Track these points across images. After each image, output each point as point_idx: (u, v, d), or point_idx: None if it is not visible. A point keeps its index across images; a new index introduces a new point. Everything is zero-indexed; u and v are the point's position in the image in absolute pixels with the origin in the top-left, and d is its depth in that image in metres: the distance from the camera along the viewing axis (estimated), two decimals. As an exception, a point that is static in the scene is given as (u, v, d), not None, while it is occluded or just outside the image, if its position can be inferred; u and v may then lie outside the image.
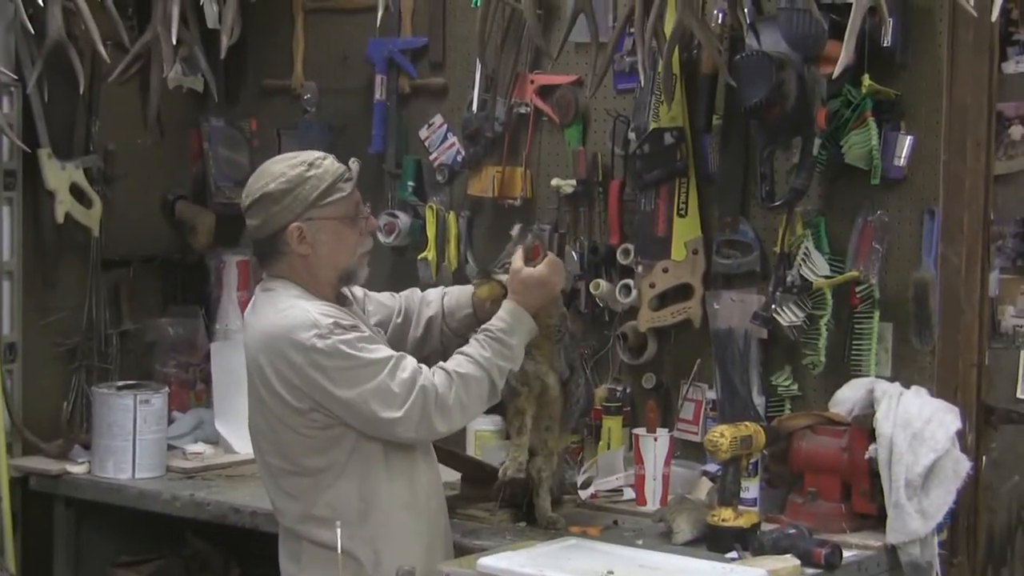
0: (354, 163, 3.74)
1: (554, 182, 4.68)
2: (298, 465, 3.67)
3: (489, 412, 4.02)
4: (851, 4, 3.59)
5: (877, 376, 4.12)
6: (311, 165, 3.68)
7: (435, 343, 4.02)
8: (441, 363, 3.70)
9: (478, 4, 4.66)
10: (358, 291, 3.95)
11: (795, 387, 4.28)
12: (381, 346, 3.67)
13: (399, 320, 4.01)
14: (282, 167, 3.70)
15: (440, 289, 4.11)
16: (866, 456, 3.91)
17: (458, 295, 4.05)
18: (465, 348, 3.73)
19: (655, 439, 4.13)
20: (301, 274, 3.71)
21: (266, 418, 3.69)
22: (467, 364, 3.68)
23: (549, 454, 3.97)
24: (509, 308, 3.78)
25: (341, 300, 3.79)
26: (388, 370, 3.60)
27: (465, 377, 3.66)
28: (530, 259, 3.85)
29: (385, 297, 4.05)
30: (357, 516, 3.62)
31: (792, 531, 3.71)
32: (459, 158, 4.88)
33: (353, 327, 3.63)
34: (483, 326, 3.77)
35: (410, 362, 3.65)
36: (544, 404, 3.93)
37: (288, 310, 3.63)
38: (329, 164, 3.71)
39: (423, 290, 4.14)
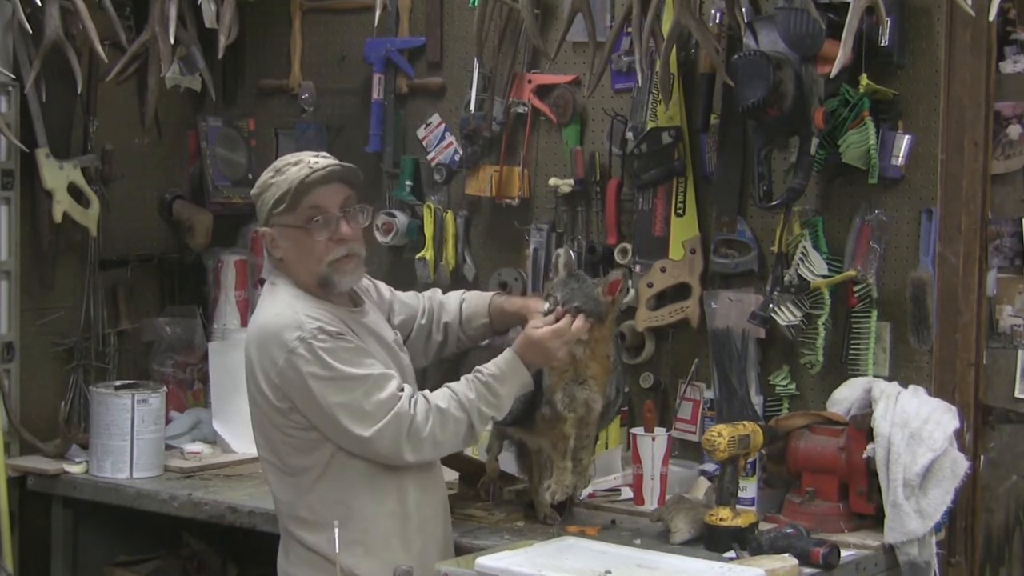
0: (332, 165, 3.70)
1: (552, 182, 4.68)
2: (283, 463, 3.69)
3: (512, 424, 3.96)
4: (849, 4, 3.59)
5: (875, 376, 4.13)
6: (278, 171, 3.70)
7: (452, 348, 4.05)
8: (426, 392, 3.68)
9: (475, 4, 4.66)
10: (384, 290, 3.97)
11: (793, 387, 4.28)
12: (367, 360, 3.64)
13: (423, 321, 4.02)
14: (264, 172, 3.75)
15: (459, 294, 4.09)
16: (864, 456, 3.91)
17: (476, 302, 4.04)
18: (454, 384, 3.71)
19: (653, 439, 4.13)
20: (286, 271, 3.74)
21: (255, 414, 3.72)
22: (450, 401, 3.65)
23: (583, 470, 3.96)
24: (507, 357, 3.74)
25: (355, 300, 3.79)
26: (365, 388, 3.59)
27: (445, 413, 3.64)
28: (604, 296, 3.80)
29: (410, 297, 4.05)
30: (339, 520, 3.60)
31: (790, 531, 3.71)
32: (457, 158, 4.88)
33: (339, 335, 3.61)
34: (477, 367, 3.74)
35: (392, 384, 3.62)
36: (584, 425, 3.91)
37: (282, 309, 3.65)
38: (295, 171, 3.67)
39: (421, 290, 4.14)
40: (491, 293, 4.12)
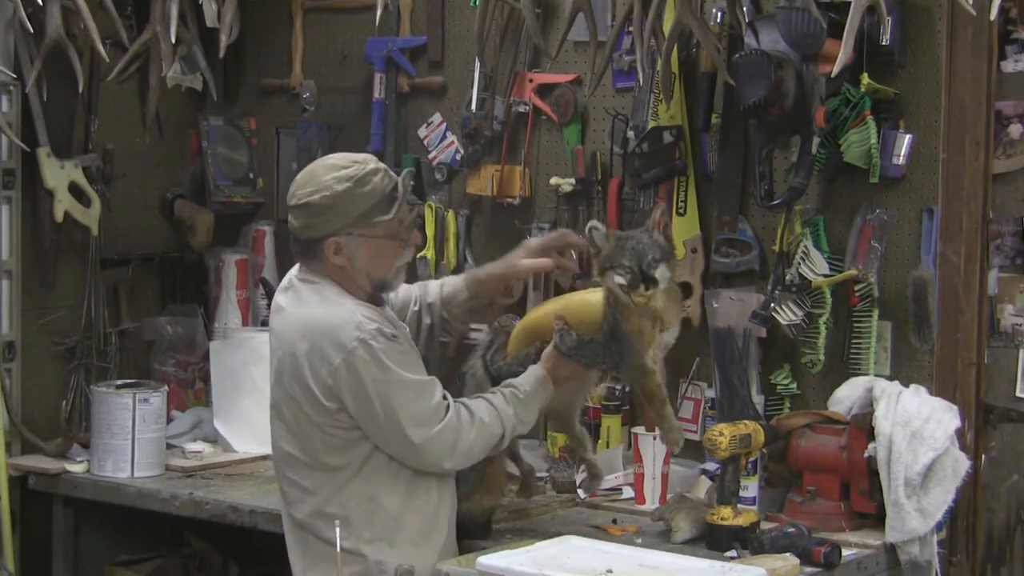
0: (405, 177, 3.71)
1: (553, 181, 4.68)
2: (316, 460, 3.67)
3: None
4: (850, 3, 3.59)
5: (876, 375, 4.12)
6: (359, 182, 3.63)
7: (439, 331, 4.03)
8: (467, 401, 3.69)
9: (476, 3, 4.66)
10: None
11: (794, 386, 4.28)
12: (417, 365, 3.67)
13: (415, 307, 4.01)
14: (330, 179, 3.63)
15: (439, 280, 4.10)
16: (865, 455, 3.91)
17: (453, 280, 4.04)
18: (493, 399, 3.72)
19: (654, 438, 4.11)
20: (336, 277, 3.70)
21: (291, 409, 3.68)
22: (491, 415, 3.67)
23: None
24: (538, 376, 3.75)
25: (376, 301, 3.79)
26: (418, 393, 3.61)
27: (486, 427, 3.66)
28: (660, 235, 3.67)
29: (402, 288, 4.04)
30: (367, 516, 3.62)
31: (791, 530, 3.71)
32: (458, 157, 4.88)
33: (394, 336, 3.62)
34: (511, 381, 3.75)
35: (438, 391, 3.65)
36: (663, 371, 3.80)
37: (334, 307, 3.63)
38: (379, 181, 3.65)
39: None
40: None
